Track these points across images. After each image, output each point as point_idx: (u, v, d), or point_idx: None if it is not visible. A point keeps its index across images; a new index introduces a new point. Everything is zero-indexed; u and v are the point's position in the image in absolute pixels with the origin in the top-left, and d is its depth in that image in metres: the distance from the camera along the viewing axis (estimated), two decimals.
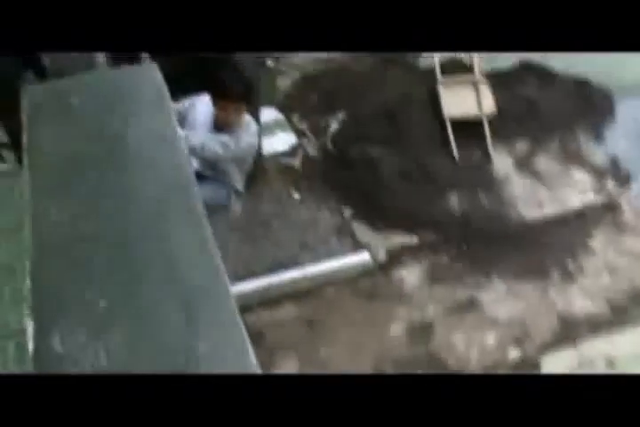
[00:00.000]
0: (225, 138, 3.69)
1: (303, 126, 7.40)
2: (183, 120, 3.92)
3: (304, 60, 8.30)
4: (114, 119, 1.71)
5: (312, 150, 7.14)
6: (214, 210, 4.56)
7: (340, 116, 7.40)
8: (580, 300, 6.11)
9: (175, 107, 3.99)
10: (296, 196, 6.66)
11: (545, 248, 6.49)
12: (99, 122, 1.73)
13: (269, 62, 7.66)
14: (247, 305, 5.93)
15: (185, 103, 3.99)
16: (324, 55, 8.45)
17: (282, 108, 7.45)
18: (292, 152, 7.06)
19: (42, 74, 6.76)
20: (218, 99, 3.72)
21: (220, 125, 3.82)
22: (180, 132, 1.94)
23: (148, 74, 1.83)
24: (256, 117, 6.29)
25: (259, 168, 6.28)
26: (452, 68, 7.62)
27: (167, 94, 1.78)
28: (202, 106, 3.92)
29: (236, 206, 4.31)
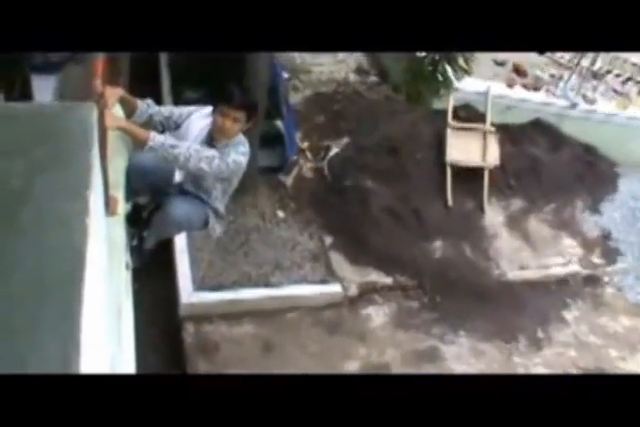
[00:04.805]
0: (212, 152, 3.56)
1: (304, 145, 7.26)
2: (178, 127, 3.79)
3: (318, 79, 8.20)
4: (23, 163, 1.51)
5: (307, 171, 7.00)
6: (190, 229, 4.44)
7: (344, 141, 7.26)
8: (541, 370, 5.98)
9: (174, 111, 3.86)
10: (280, 214, 6.50)
11: (518, 312, 6.36)
12: (4, 164, 1.52)
13: (286, 76, 7.51)
14: (207, 315, 5.78)
15: (184, 110, 3.83)
16: (339, 76, 8.36)
17: None
18: (288, 169, 6.89)
19: None
20: (220, 104, 3.59)
21: (214, 134, 3.69)
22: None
23: (82, 115, 1.64)
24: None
25: (250, 179, 6.11)
26: (464, 114, 7.51)
27: (94, 143, 1.60)
28: (200, 117, 3.78)
29: (216, 228, 4.15)
